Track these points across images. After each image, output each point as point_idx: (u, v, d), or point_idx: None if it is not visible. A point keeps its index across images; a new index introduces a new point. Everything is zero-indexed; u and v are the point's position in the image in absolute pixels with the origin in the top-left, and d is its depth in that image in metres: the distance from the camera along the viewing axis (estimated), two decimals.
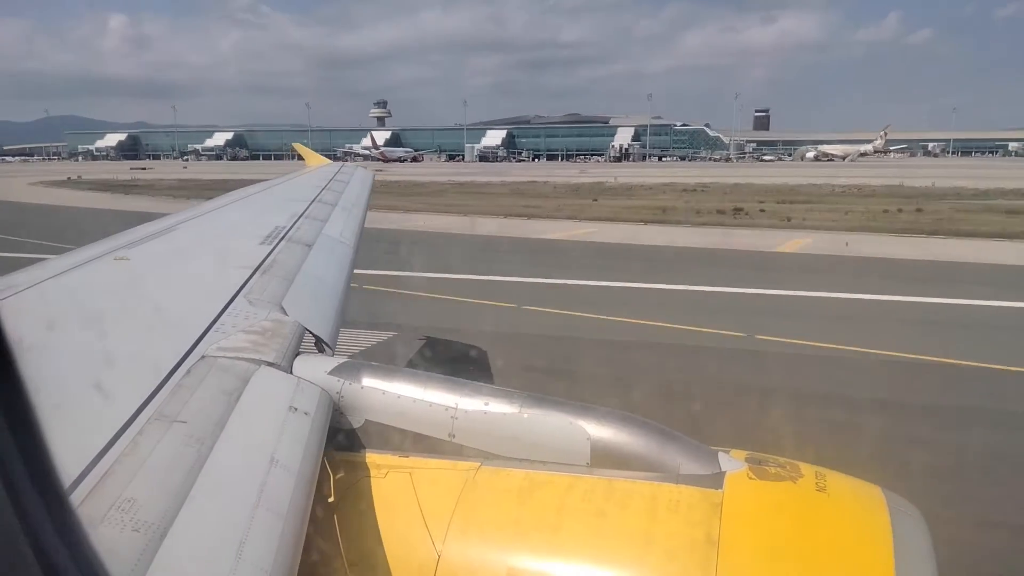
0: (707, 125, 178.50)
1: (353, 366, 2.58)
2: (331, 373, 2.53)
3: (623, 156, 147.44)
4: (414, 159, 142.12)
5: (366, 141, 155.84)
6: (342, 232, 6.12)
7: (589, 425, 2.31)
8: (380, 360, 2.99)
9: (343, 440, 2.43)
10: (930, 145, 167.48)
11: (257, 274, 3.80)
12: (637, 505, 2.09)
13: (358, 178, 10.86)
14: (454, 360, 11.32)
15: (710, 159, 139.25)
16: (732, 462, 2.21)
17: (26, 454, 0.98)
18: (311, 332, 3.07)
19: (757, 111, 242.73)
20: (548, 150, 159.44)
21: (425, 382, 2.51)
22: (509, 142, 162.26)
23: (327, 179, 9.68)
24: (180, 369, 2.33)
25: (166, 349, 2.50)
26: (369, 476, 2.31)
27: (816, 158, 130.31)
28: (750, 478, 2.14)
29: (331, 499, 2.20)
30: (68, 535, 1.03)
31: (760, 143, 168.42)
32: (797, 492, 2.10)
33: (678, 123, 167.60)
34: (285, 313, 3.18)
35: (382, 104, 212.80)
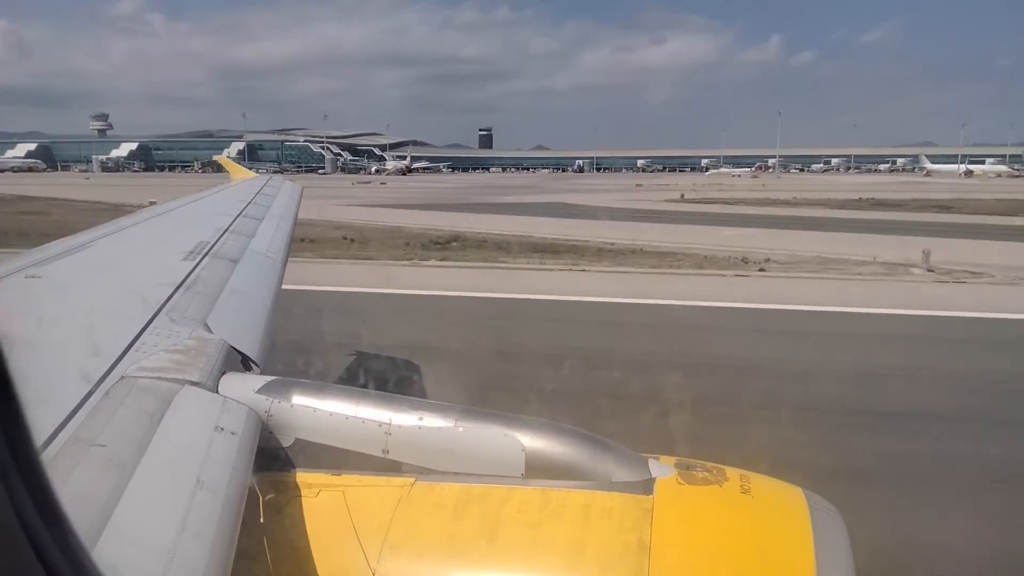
0: (415, 141, 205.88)
1: (282, 384, 2.52)
2: (259, 392, 2.47)
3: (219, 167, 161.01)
4: (24, 168, 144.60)
5: (11, 152, 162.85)
6: (269, 247, 5.99)
7: (523, 436, 2.32)
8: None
9: (273, 460, 2.37)
10: (577, 162, 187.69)
11: (180, 291, 3.68)
12: (571, 514, 2.11)
13: (286, 191, 10.65)
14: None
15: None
16: (662, 468, 2.26)
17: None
18: (237, 350, 2.99)
19: (481, 130, 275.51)
20: (182, 161, 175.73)
21: (357, 398, 2.48)
22: (143, 154, 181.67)
23: (253, 192, 9.47)
24: (98, 391, 2.23)
25: (82, 370, 2.39)
26: (300, 496, 2.27)
27: (377, 171, 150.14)
28: (679, 483, 2.20)
29: (261, 521, 2.15)
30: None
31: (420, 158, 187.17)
32: (723, 495, 2.17)
33: (299, 139, 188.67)
34: (210, 331, 3.09)
35: (102, 117, 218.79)
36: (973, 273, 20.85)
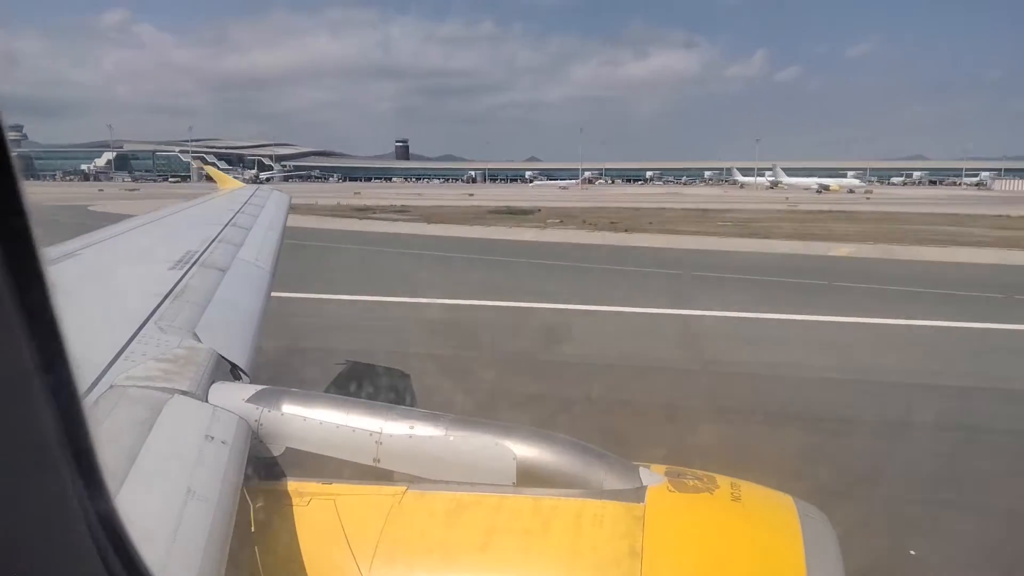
0: (326, 152, 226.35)
1: (272, 393, 2.51)
2: (249, 400, 2.46)
3: (94, 176, 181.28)
4: None
5: None
6: (258, 256, 5.97)
7: (515, 445, 2.32)
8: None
9: (263, 469, 2.36)
10: (468, 173, 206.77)
11: (168, 300, 3.66)
12: (563, 522, 2.11)
13: (274, 201, 10.63)
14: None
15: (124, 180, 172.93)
16: (652, 476, 2.27)
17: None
18: (227, 359, 2.98)
19: (397, 141, 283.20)
20: (62, 171, 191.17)
21: (348, 407, 2.47)
22: (23, 164, 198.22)
23: (241, 202, 9.44)
24: (87, 400, 2.21)
25: None
26: (291, 505, 2.26)
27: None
28: (670, 491, 2.20)
29: (252, 530, 2.13)
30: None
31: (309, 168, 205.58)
32: (714, 503, 2.18)
33: (175, 150, 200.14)
34: (199, 340, 3.07)
35: (17, 128, 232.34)
36: None
